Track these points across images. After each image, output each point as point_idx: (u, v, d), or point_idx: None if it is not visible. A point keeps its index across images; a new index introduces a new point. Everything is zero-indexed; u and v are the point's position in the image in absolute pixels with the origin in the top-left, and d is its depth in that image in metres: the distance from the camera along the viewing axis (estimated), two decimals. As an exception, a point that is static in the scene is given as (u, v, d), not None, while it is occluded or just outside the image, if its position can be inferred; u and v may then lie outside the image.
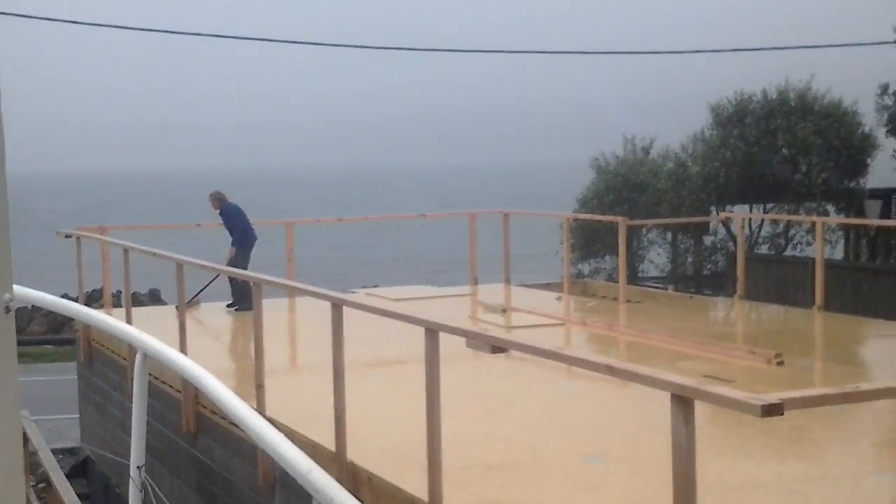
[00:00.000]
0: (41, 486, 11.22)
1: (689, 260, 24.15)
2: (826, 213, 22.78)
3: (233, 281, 14.59)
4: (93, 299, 24.24)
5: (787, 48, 26.03)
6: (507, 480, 6.64)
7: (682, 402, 4.26)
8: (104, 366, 13.40)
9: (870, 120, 22.89)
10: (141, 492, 3.88)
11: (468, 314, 14.03)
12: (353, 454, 7.09)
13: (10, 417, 2.69)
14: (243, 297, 14.49)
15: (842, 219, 22.75)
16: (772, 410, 3.94)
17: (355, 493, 6.94)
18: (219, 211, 15.10)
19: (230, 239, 14.91)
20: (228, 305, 14.95)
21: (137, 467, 3.90)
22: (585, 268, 24.58)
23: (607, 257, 24.01)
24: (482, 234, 17.06)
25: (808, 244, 22.46)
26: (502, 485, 6.55)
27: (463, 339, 5.78)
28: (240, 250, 14.80)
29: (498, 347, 5.64)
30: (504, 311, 14.01)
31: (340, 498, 2.66)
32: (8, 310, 2.66)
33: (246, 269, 13.73)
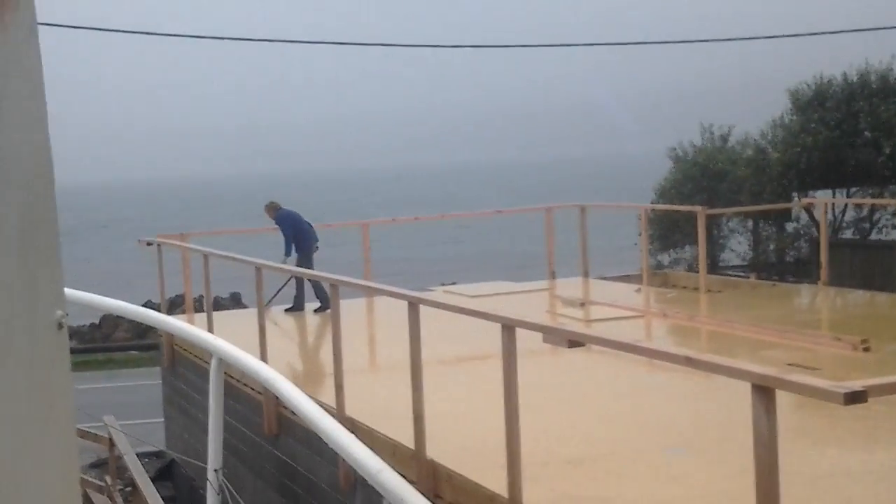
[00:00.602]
0: (127, 489, 11.40)
1: (771, 247, 23.78)
2: (912, 196, 22.25)
3: (309, 284, 14.71)
4: (175, 305, 24.63)
5: (866, 30, 25.40)
6: (587, 475, 6.58)
7: (763, 392, 4.18)
8: (187, 370, 13.58)
9: (954, 99, 22.31)
10: (219, 494, 3.90)
11: (546, 309, 13.95)
12: (433, 452, 7.08)
13: (66, 434, 2.70)
14: (322, 298, 14.60)
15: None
16: (855, 398, 3.85)
17: (436, 491, 6.94)
18: (274, 219, 15.19)
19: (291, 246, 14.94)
20: (287, 310, 14.95)
21: (215, 470, 3.92)
22: (665, 259, 24.34)
23: (687, 247, 23.75)
24: (559, 229, 16.96)
25: (894, 227, 21.98)
26: (582, 479, 6.49)
27: (540, 335, 5.73)
28: (303, 255, 14.89)
29: (575, 342, 5.58)
30: (582, 304, 13.91)
31: (411, 498, 2.64)
32: (60, 326, 2.67)
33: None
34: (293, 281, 15.18)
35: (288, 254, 14.80)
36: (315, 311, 14.81)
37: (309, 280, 14.60)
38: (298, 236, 15.05)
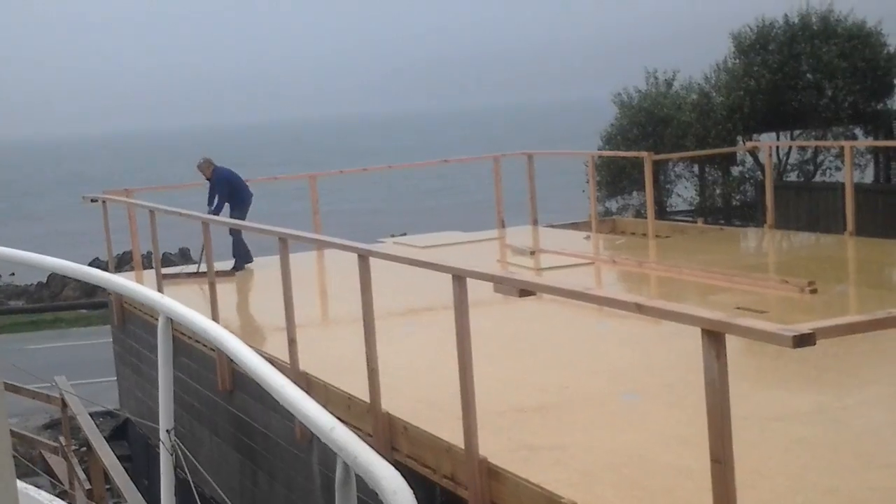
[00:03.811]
0: (82, 449, 11.34)
1: (718, 192, 23.96)
2: (854, 137, 22.50)
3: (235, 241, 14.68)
4: (124, 262, 24.40)
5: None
6: (542, 423, 6.64)
7: (713, 337, 4.22)
8: (137, 328, 13.49)
9: (894, 40, 22.53)
10: (172, 455, 3.87)
11: (497, 258, 13.99)
12: (388, 405, 7.11)
13: None
14: (239, 256, 14.61)
15: (870, 142, 22.50)
16: (804, 341, 3.89)
17: (392, 444, 6.98)
18: (209, 178, 15.01)
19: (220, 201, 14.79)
20: (234, 268, 14.83)
21: (167, 431, 3.89)
22: (613, 205, 24.45)
23: (634, 193, 23.86)
24: (507, 178, 16.98)
25: (838, 169, 22.23)
26: (538, 428, 6.55)
27: (492, 285, 5.75)
28: (240, 214, 14.78)
29: (526, 291, 5.60)
30: (532, 253, 13.97)
31: (364, 454, 2.64)
32: None
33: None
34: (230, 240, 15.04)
35: (217, 212, 14.60)
36: (232, 269, 14.62)
37: (232, 236, 14.57)
38: (234, 194, 14.93)
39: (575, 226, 16.74)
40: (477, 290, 5.98)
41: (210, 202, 14.82)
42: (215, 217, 13.15)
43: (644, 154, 15.40)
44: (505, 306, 9.67)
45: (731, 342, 4.25)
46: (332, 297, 12.53)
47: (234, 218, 14.36)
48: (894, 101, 23.02)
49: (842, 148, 16.98)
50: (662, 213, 22.46)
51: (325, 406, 3.08)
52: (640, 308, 4.77)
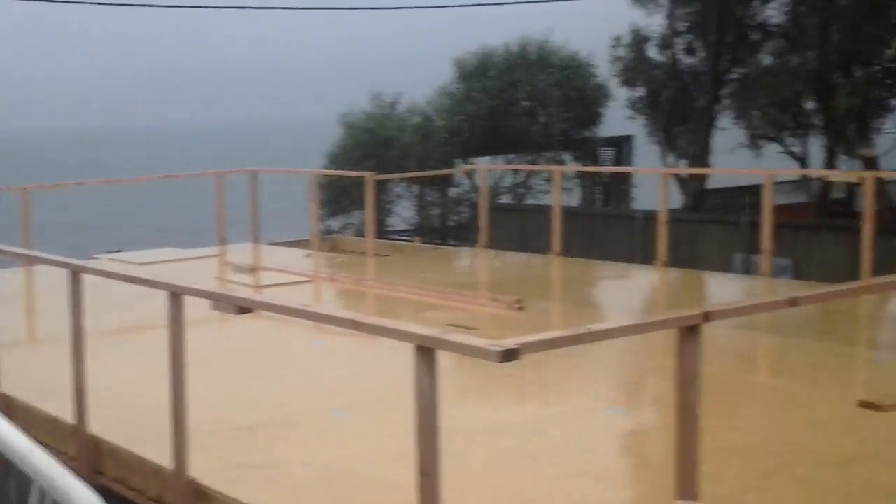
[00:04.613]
0: None
1: (436, 212, 24.60)
2: (563, 162, 23.67)
3: None
4: None
5: (527, 2, 26.69)
6: (256, 441, 6.63)
7: (425, 353, 4.34)
8: None
9: (604, 71, 23.91)
10: None
11: (216, 276, 13.83)
12: (95, 427, 6.89)
13: None
14: None
15: (577, 167, 23.75)
16: (509, 355, 4.04)
17: (97, 467, 6.77)
18: None
19: None
20: None
21: None
22: (335, 224, 24.64)
23: (356, 213, 24.14)
24: (232, 195, 16.81)
25: (547, 192, 23.31)
26: (251, 446, 6.53)
27: (209, 302, 5.70)
28: None
29: (244, 308, 5.59)
30: (252, 270, 13.89)
31: (61, 479, 2.59)
32: None
33: None
34: None
35: None
36: None
37: None
38: None
39: (297, 244, 16.77)
40: (195, 308, 5.92)
41: None
42: None
43: (366, 174, 15.66)
44: (223, 324, 9.57)
45: (443, 357, 4.40)
46: (41, 315, 12.01)
47: None
48: (600, 129, 24.43)
49: (551, 172, 17.84)
50: (382, 232, 22.83)
51: (26, 430, 2.99)
52: (355, 325, 4.86)
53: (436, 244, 19.03)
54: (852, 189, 21.26)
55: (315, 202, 16.87)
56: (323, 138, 26.72)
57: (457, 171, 22.91)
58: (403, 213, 25.34)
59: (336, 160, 24.64)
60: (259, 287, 12.69)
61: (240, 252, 15.85)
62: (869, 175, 12.12)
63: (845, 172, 17.34)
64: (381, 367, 8.18)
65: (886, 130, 19.79)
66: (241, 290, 11.45)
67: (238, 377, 8.33)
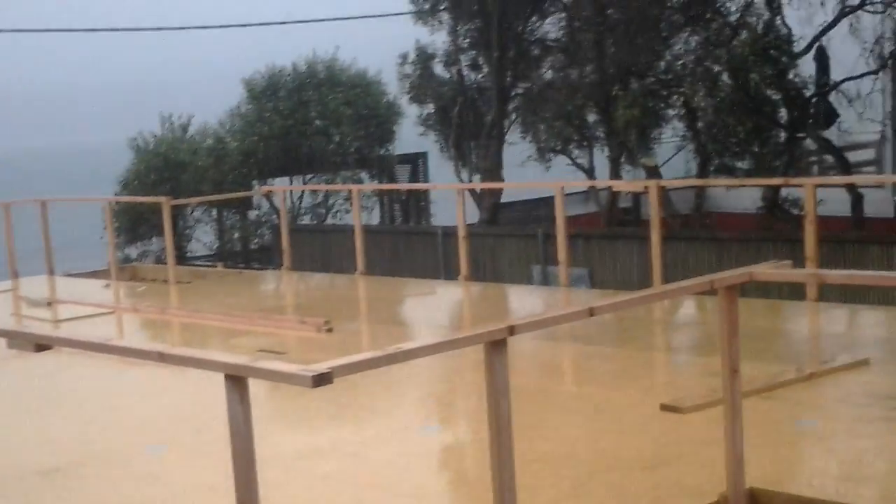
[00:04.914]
0: None
1: (236, 235, 24.33)
2: (360, 181, 23.82)
3: None
4: None
5: (314, 21, 26.83)
6: (64, 484, 6.43)
7: (236, 381, 4.29)
8: None
9: (393, 89, 24.18)
10: None
11: (11, 311, 13.31)
12: None
13: None
14: None
15: (375, 185, 23.95)
16: (322, 380, 4.03)
17: None
18: None
19: None
20: None
21: None
22: (133, 252, 24.04)
23: (154, 239, 23.62)
24: (23, 226, 16.21)
25: (347, 212, 23.40)
26: (59, 490, 6.33)
27: (4, 340, 5.51)
28: None
29: (42, 345, 5.42)
30: (49, 304, 13.44)
31: None
32: None
33: None
34: None
35: None
36: None
37: None
38: None
39: (95, 274, 16.30)
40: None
41: None
42: None
43: (162, 199, 15.39)
44: (21, 363, 9.25)
45: (256, 384, 4.39)
46: None
47: None
48: (395, 146, 24.71)
49: (350, 192, 17.94)
50: (183, 258, 22.43)
51: None
52: (162, 357, 4.77)
53: (239, 268, 18.84)
54: (638, 198, 22.20)
55: (111, 230, 16.45)
56: (114, 164, 26.01)
57: (254, 193, 22.74)
58: (204, 238, 24.94)
59: (129, 186, 24.04)
60: (57, 321, 12.28)
61: (34, 285, 15.30)
62: (653, 184, 12.68)
63: (631, 182, 18.08)
64: (194, 397, 8.06)
65: (665, 140, 20.73)
66: (38, 325, 11.08)
67: (40, 417, 8.05)
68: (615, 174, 19.33)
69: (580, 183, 20.63)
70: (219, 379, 4.39)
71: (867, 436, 6.40)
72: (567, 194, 13.26)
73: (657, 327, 10.36)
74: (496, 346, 4.43)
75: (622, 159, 19.57)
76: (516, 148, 22.00)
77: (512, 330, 4.44)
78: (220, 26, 30.05)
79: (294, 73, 23.91)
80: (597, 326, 9.55)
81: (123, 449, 7.09)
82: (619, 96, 18.06)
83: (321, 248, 19.85)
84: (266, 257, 23.16)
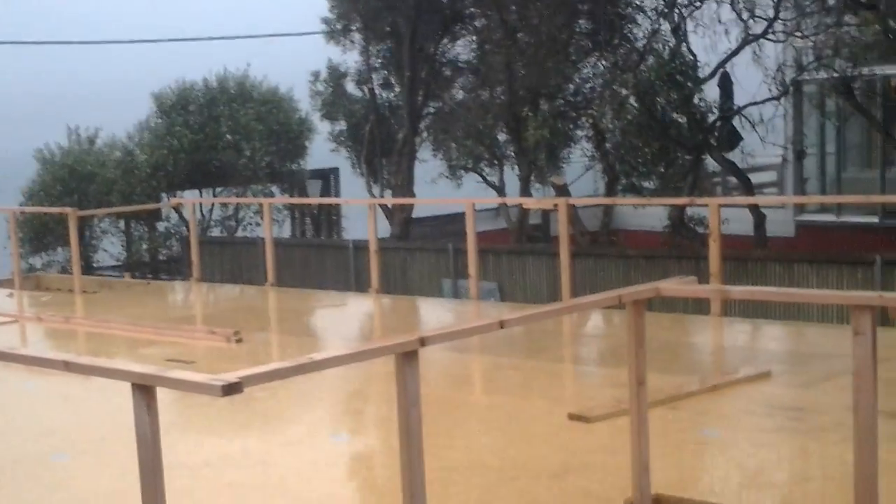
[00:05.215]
0: None
1: (145, 247, 24.08)
2: (272, 195, 23.74)
3: None
4: None
5: (224, 38, 26.74)
6: (-33, 492, 6.31)
7: (144, 390, 4.27)
8: None
9: (305, 105, 24.20)
10: None
11: None
12: None
13: None
14: None
15: (286, 199, 23.90)
16: (231, 389, 4.01)
17: None
18: None
19: None
20: None
21: None
22: (38, 262, 23.61)
23: (60, 249, 23.23)
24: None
25: (258, 224, 23.28)
26: (-39, 497, 6.22)
27: None
28: None
29: (-61, 357, 5.31)
30: (-52, 314, 13.12)
31: None
32: None
33: None
34: None
35: None
36: None
37: None
38: None
39: (-3, 283, 15.99)
40: None
41: None
42: None
43: (68, 210, 15.18)
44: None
45: (164, 392, 4.37)
46: None
47: None
48: (307, 161, 24.71)
49: (261, 205, 17.86)
50: (90, 268, 22.12)
51: None
52: (68, 366, 4.71)
53: (147, 279, 18.61)
54: (547, 215, 22.46)
55: (14, 240, 16.12)
56: (18, 175, 25.52)
57: (164, 206, 22.53)
58: (111, 249, 24.59)
59: (35, 197, 23.63)
60: (-43, 331, 12.00)
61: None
62: (562, 201, 12.86)
63: (540, 199, 18.28)
64: (101, 406, 7.96)
65: (574, 160, 21.02)
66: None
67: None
68: (525, 192, 19.55)
69: (490, 200, 20.81)
70: (125, 388, 4.35)
71: (768, 445, 6.57)
72: (478, 211, 13.38)
73: (566, 340, 10.50)
74: (407, 357, 4.45)
75: (532, 178, 19.80)
76: (428, 165, 22.13)
77: (423, 341, 4.47)
78: (131, 41, 29.74)
79: (205, 89, 23.79)
80: (507, 339, 9.66)
81: (28, 457, 6.97)
82: (529, 117, 18.28)
83: (231, 260, 19.72)
84: (175, 269, 22.93)
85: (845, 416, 4.61)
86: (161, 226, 24.01)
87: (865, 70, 15.31)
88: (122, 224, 24.16)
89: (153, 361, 8.22)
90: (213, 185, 23.61)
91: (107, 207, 21.67)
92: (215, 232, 23.73)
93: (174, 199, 21.89)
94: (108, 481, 6.35)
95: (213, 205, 23.92)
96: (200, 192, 23.55)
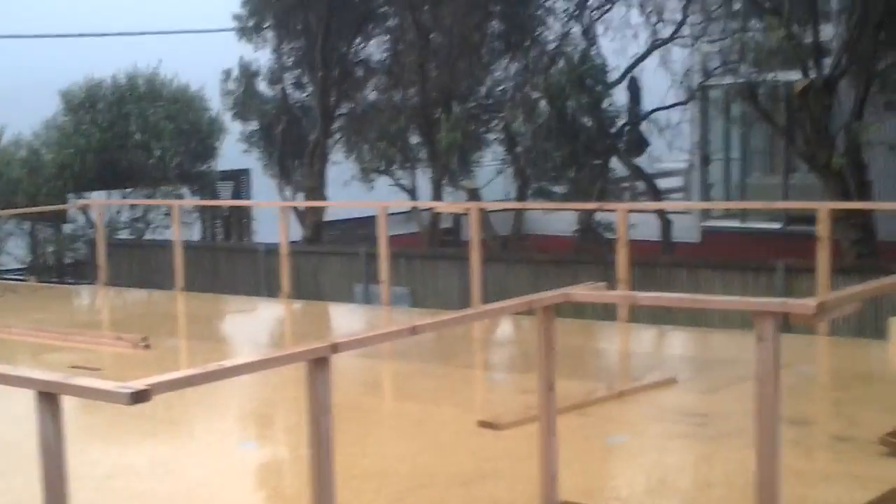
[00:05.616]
0: None
1: (50, 249, 23.57)
2: (181, 197, 23.42)
3: None
4: None
5: (134, 34, 26.34)
6: None
7: (48, 398, 4.18)
8: None
9: (216, 105, 23.89)
10: None
11: None
12: None
13: None
14: None
15: (196, 201, 23.61)
16: (140, 397, 3.95)
17: None
18: None
19: None
20: None
21: None
22: (-65, 264, 23.00)
23: (-38, 252, 22.66)
24: None
25: (167, 227, 22.96)
26: None
27: None
28: None
29: None
30: None
31: None
32: None
33: None
34: None
35: None
36: None
37: None
38: None
39: None
40: None
41: None
42: None
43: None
44: None
45: (68, 400, 4.29)
46: None
47: None
48: (217, 162, 24.42)
49: (170, 207, 17.64)
50: (-8, 271, 21.61)
51: None
52: (-32, 373, 4.63)
53: (52, 283, 18.25)
54: (459, 219, 22.53)
55: (-88, 242, 15.73)
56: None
57: (70, 207, 22.09)
58: (16, 251, 24.04)
59: (-66, 197, 23.00)
60: None
61: None
62: (474, 206, 12.94)
63: (452, 203, 18.34)
64: (2, 414, 7.79)
65: (486, 163, 21.12)
66: None
67: None
68: (437, 196, 19.57)
69: (403, 203, 20.79)
70: (28, 395, 4.27)
71: (673, 450, 6.69)
72: (390, 214, 13.39)
73: (476, 346, 10.56)
74: (319, 364, 4.44)
75: (444, 181, 19.83)
76: (340, 167, 22.03)
77: (335, 348, 4.47)
78: (35, 36, 29.17)
79: (114, 86, 23.38)
80: (418, 345, 9.68)
81: (-75, 469, 6.80)
82: (442, 119, 18.32)
83: (139, 264, 19.41)
84: (81, 272, 22.47)
85: (749, 422, 4.72)
86: (68, 228, 23.54)
87: (770, 76, 15.62)
88: (27, 226, 23.64)
89: (58, 368, 8.08)
90: (121, 185, 23.21)
91: (11, 208, 21.20)
92: (124, 234, 23.36)
93: (81, 200, 21.49)
94: (10, 493, 6.23)
95: (121, 206, 23.54)
96: (108, 193, 23.14)
